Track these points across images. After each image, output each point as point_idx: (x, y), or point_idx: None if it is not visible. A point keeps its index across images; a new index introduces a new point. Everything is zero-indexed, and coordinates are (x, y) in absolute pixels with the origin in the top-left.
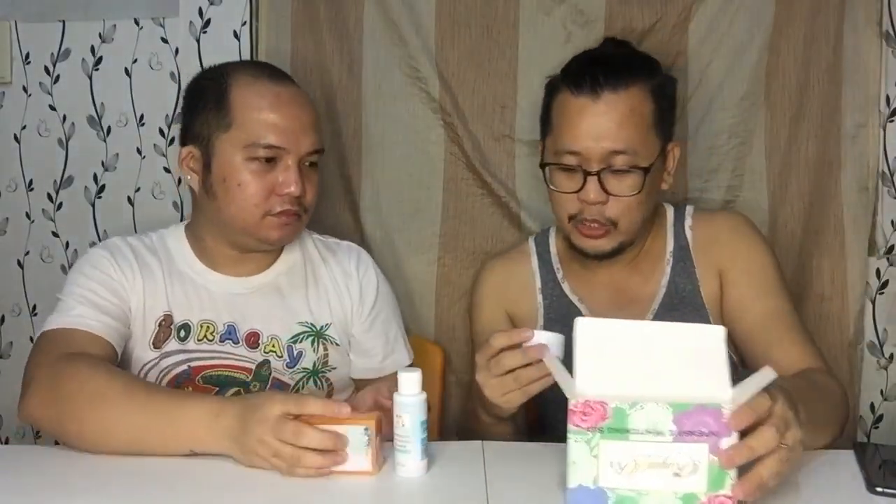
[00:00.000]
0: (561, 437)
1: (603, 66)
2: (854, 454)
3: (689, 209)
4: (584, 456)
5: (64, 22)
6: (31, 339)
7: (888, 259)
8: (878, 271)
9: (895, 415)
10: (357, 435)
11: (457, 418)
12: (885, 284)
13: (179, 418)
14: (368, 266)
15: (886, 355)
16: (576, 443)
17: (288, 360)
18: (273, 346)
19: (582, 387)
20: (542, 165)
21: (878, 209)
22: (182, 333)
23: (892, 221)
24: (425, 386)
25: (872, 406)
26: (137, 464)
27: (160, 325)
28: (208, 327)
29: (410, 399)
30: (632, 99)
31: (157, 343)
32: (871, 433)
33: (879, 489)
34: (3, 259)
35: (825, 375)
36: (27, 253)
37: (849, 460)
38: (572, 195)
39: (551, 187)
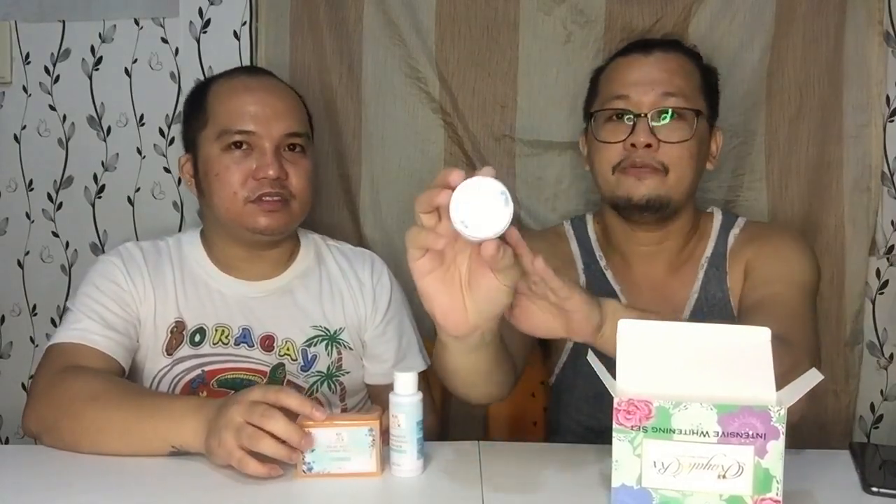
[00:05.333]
0: (570, 440)
1: (653, 38)
2: (850, 454)
3: (742, 219)
4: (627, 455)
5: (64, 22)
6: (32, 340)
7: (888, 259)
8: (878, 271)
9: (895, 415)
10: (360, 436)
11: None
12: (885, 284)
13: (166, 411)
14: (383, 273)
15: (886, 355)
16: (619, 441)
17: (302, 364)
18: (287, 349)
19: (626, 385)
20: (589, 114)
21: (878, 209)
22: (196, 338)
23: (892, 221)
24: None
25: (872, 406)
26: (137, 464)
27: (171, 331)
28: (223, 331)
29: (406, 399)
30: (681, 60)
31: (170, 349)
32: (871, 433)
33: (875, 489)
34: (3, 259)
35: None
36: (27, 253)
37: (844, 460)
38: (618, 145)
39: (598, 140)
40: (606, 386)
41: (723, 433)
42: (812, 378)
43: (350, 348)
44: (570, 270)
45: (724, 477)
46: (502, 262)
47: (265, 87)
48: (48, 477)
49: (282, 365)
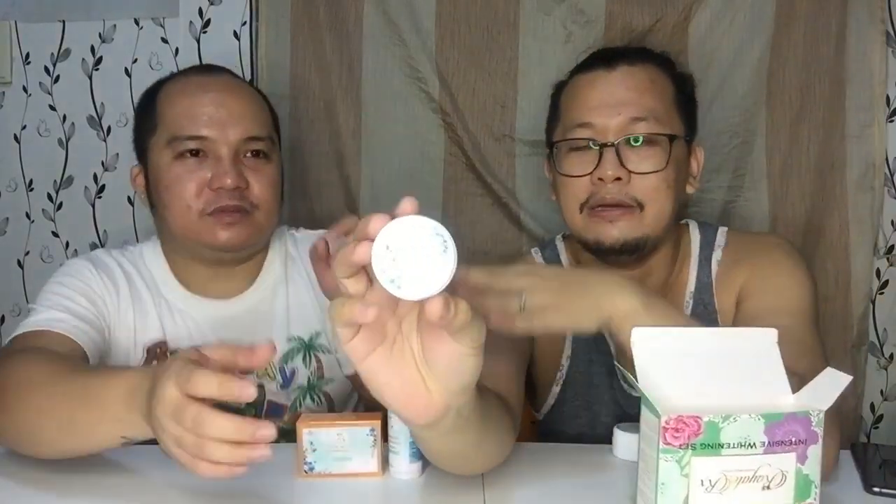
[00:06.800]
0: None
1: (616, 48)
2: (851, 454)
3: (721, 233)
4: (675, 476)
5: (64, 22)
6: None
7: (888, 259)
8: (878, 271)
9: (895, 415)
10: (362, 436)
11: None
12: (885, 284)
13: (104, 396)
14: None
15: (886, 355)
16: (666, 462)
17: (281, 381)
18: (265, 369)
19: (675, 401)
20: (550, 145)
21: (880, 209)
22: None
23: (893, 221)
24: None
25: (872, 406)
26: (136, 464)
27: (149, 351)
28: None
29: None
30: (650, 72)
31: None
32: (871, 433)
33: (877, 489)
34: (3, 259)
35: None
36: (27, 253)
37: (846, 460)
38: (585, 179)
39: (561, 174)
40: (649, 402)
41: (769, 443)
42: (841, 380)
43: (327, 351)
44: None
45: (768, 488)
46: (457, 321)
47: (220, 87)
48: (48, 477)
49: (261, 386)
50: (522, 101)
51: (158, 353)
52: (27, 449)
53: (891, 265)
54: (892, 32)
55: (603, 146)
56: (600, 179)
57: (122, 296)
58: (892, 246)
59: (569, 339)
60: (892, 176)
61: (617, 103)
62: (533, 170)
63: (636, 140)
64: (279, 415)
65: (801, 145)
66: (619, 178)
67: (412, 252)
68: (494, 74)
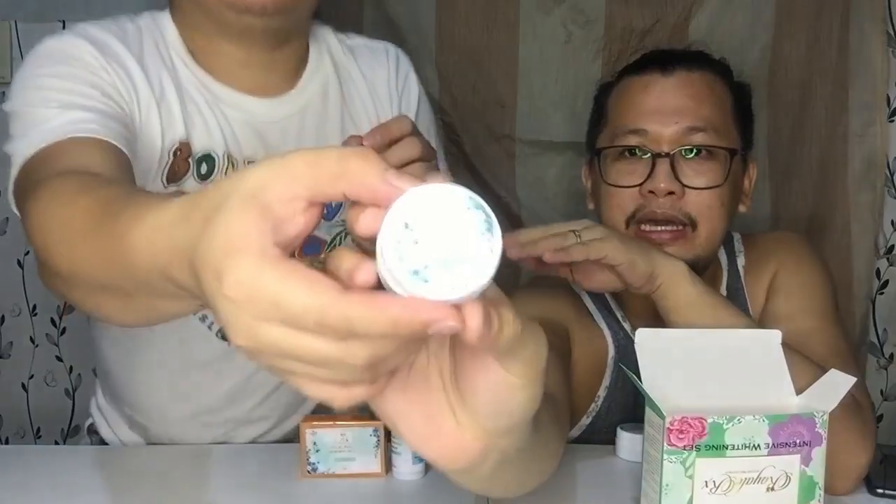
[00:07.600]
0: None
1: (672, 51)
2: None
3: (737, 239)
4: (679, 478)
5: (64, 22)
6: (32, 340)
7: (888, 259)
8: (878, 271)
9: (895, 415)
10: (365, 436)
11: None
12: (885, 284)
13: (139, 276)
14: (409, 72)
15: (886, 355)
16: (671, 464)
17: (325, 211)
18: None
19: (680, 402)
20: (597, 151)
21: (881, 209)
22: (203, 169)
23: (893, 221)
24: None
25: (872, 406)
26: (138, 464)
27: (175, 154)
28: (233, 164)
29: None
30: (708, 79)
31: (173, 177)
32: None
33: (880, 490)
34: (3, 259)
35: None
36: (27, 253)
37: None
38: (633, 190)
39: (607, 183)
40: (654, 403)
41: (773, 444)
42: (845, 381)
43: None
44: (597, 339)
45: (772, 489)
46: (503, 337)
47: None
48: (48, 477)
49: None
50: (522, 101)
51: (179, 157)
52: (93, 309)
53: (891, 265)
54: (892, 32)
55: (656, 156)
56: (651, 192)
57: (141, 89)
58: (893, 246)
59: (609, 369)
60: (892, 176)
61: (673, 111)
62: (533, 170)
63: (690, 151)
64: (316, 252)
65: (802, 145)
66: (671, 193)
67: (442, 232)
68: (494, 74)
